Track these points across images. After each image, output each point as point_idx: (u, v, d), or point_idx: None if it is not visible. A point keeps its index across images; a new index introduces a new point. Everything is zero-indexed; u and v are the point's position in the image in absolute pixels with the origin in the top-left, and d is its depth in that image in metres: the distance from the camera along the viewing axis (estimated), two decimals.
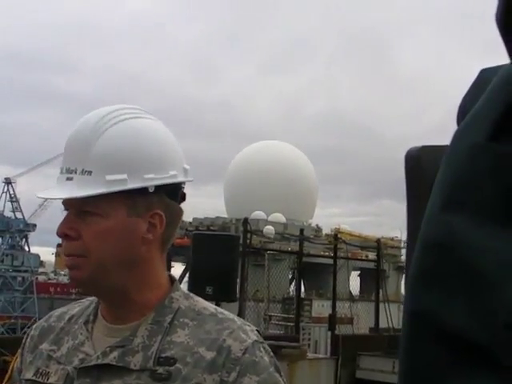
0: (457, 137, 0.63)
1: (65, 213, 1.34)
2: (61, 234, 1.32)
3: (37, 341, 1.46)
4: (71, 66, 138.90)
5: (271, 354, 1.36)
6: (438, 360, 0.58)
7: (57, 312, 1.52)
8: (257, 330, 1.38)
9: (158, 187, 1.33)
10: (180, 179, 1.38)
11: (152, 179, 1.32)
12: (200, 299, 1.42)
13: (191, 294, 1.43)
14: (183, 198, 1.42)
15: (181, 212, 1.41)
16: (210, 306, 1.40)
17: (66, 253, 1.34)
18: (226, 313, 1.40)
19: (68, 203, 1.33)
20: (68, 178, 1.31)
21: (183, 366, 1.28)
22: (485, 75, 0.69)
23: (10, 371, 1.53)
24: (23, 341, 1.51)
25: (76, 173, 1.30)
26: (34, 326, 1.52)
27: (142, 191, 1.31)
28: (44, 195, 1.36)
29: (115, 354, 1.31)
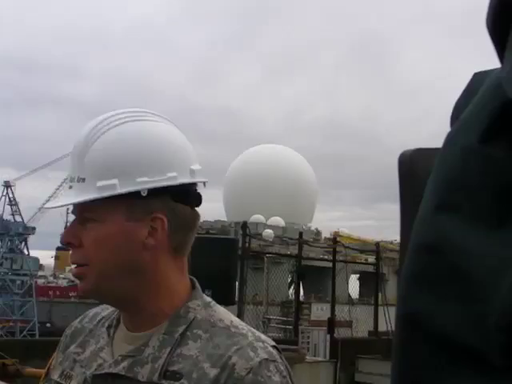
0: (449, 139, 0.63)
1: (64, 218, 1.36)
2: (63, 241, 1.33)
3: (68, 341, 1.47)
4: (74, 70, 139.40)
5: (284, 373, 1.27)
6: (430, 362, 0.58)
7: (92, 312, 1.51)
8: (275, 347, 1.31)
9: (158, 190, 1.29)
10: (182, 180, 1.32)
11: (145, 182, 1.28)
12: (221, 310, 1.37)
13: (212, 303, 1.37)
14: (199, 200, 1.37)
15: (194, 215, 1.36)
16: (227, 318, 1.33)
17: (70, 261, 1.34)
18: (241, 326, 1.33)
19: (74, 211, 1.33)
20: (70, 187, 1.32)
21: (188, 382, 1.23)
22: (477, 79, 0.69)
23: (46, 369, 1.55)
24: (61, 339, 1.52)
25: (75, 181, 1.31)
26: (70, 325, 1.53)
27: (139, 195, 1.28)
28: (47, 205, 1.44)
29: (125, 363, 1.29)
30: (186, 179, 1.33)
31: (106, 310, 1.47)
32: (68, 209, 1.37)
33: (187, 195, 1.34)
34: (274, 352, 1.29)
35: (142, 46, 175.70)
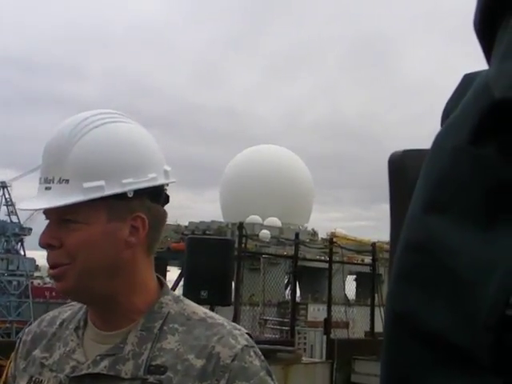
0: (438, 140, 0.63)
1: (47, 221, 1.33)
2: (43, 244, 1.31)
3: (29, 346, 1.46)
4: (75, 69, 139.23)
5: (262, 357, 1.35)
6: (419, 361, 0.58)
7: (48, 316, 1.51)
8: (248, 334, 1.37)
9: (138, 190, 1.32)
10: (160, 182, 1.37)
11: (130, 184, 1.31)
12: (190, 303, 1.41)
13: (181, 297, 1.42)
14: (167, 200, 1.41)
15: (165, 214, 1.40)
16: (200, 310, 1.39)
17: (50, 263, 1.33)
18: (216, 317, 1.39)
19: (49, 213, 1.32)
20: (47, 188, 1.31)
21: (174, 375, 1.27)
22: (467, 80, 0.70)
23: (4, 376, 1.53)
24: (16, 346, 1.51)
25: (54, 182, 1.30)
26: (26, 331, 1.52)
27: (122, 196, 1.31)
28: (23, 206, 1.36)
29: (106, 362, 1.31)
30: (162, 180, 1.38)
31: (64, 313, 1.48)
32: None
33: (160, 195, 1.39)
34: (250, 338, 1.36)
35: (144, 45, 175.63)
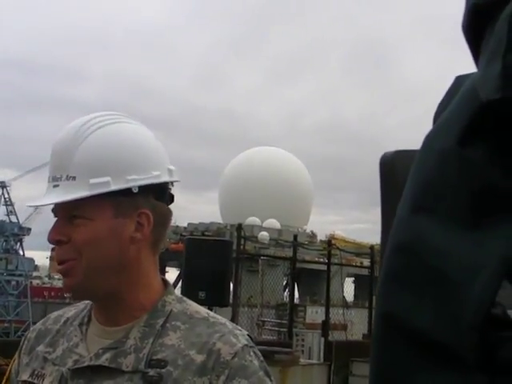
0: (426, 142, 0.64)
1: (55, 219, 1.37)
2: (52, 239, 1.34)
3: (33, 343, 1.48)
4: (76, 72, 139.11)
5: (261, 358, 1.37)
6: (406, 359, 0.59)
7: (53, 315, 1.54)
8: (248, 335, 1.39)
9: (143, 188, 1.35)
10: (164, 179, 1.40)
11: (135, 180, 1.34)
12: (193, 303, 1.44)
13: (184, 298, 1.44)
14: (171, 199, 1.44)
15: (169, 213, 1.43)
16: (203, 310, 1.42)
17: (57, 259, 1.36)
18: (218, 317, 1.41)
19: (57, 209, 1.36)
20: (55, 186, 1.34)
21: (174, 369, 1.29)
22: (458, 82, 0.70)
23: (8, 373, 1.55)
24: (21, 343, 1.53)
25: (61, 179, 1.34)
26: (32, 329, 1.54)
27: (127, 192, 1.34)
28: (32, 203, 1.42)
29: (107, 355, 1.33)
30: (166, 178, 1.41)
31: (69, 312, 1.51)
32: None
33: (165, 193, 1.42)
34: (250, 339, 1.38)
35: (145, 47, 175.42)
